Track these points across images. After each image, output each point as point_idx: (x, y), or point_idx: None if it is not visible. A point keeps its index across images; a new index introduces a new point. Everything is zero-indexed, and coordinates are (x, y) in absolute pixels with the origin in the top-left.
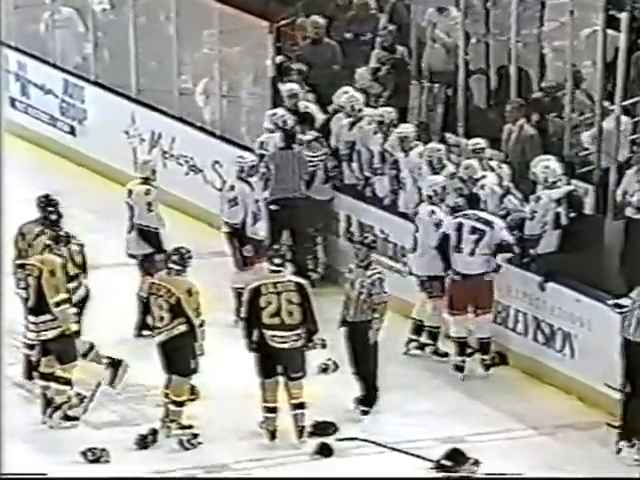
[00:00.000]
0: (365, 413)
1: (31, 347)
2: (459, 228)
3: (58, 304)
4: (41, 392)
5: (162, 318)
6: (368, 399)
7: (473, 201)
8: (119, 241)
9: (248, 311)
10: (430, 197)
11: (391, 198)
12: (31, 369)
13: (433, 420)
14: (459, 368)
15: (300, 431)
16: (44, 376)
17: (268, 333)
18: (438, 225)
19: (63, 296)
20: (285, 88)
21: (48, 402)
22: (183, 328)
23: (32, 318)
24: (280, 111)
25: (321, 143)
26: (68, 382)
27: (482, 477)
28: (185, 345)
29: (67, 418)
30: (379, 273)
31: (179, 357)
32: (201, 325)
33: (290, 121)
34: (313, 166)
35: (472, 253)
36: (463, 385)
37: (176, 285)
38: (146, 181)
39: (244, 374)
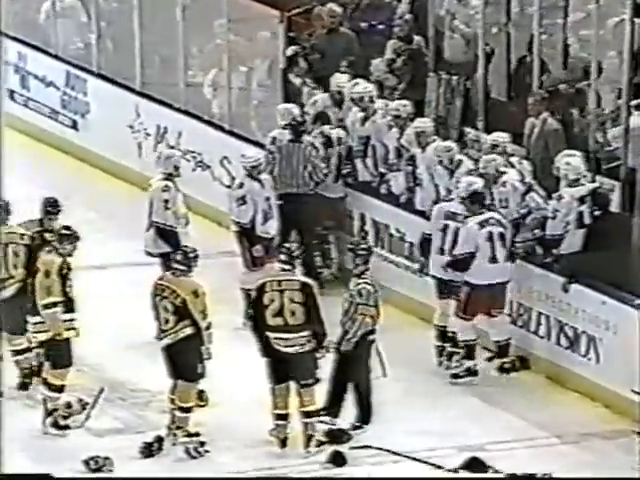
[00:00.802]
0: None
1: (19, 353)
2: (490, 238)
3: (47, 306)
4: (42, 398)
5: (167, 320)
6: (363, 415)
7: (476, 200)
8: (123, 240)
9: (254, 310)
10: (464, 199)
11: (407, 195)
12: (25, 378)
13: (450, 427)
14: (472, 372)
15: (308, 440)
16: (44, 381)
17: (272, 335)
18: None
19: (53, 299)
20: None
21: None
22: (189, 331)
23: (29, 318)
24: (289, 105)
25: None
26: (59, 389)
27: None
28: (191, 349)
29: (57, 426)
30: (367, 284)
31: (185, 361)
32: (208, 328)
33: (298, 114)
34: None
35: (499, 260)
36: (481, 391)
37: (182, 286)
38: (169, 177)
39: (254, 379)
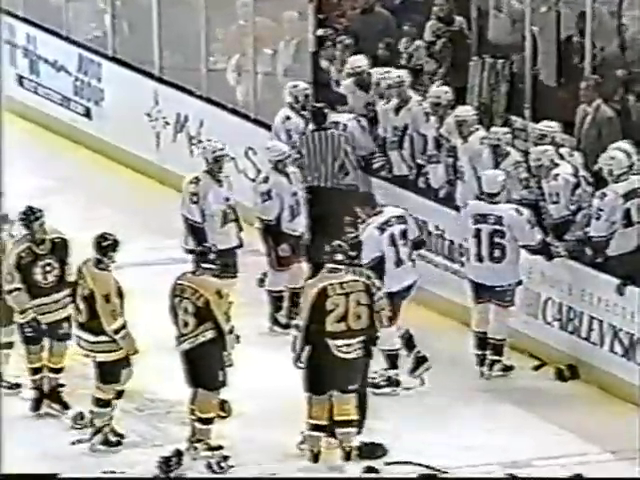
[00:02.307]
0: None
1: (35, 371)
2: (393, 241)
3: (117, 331)
4: (90, 417)
5: (186, 324)
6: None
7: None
8: (141, 239)
9: (310, 317)
10: (490, 195)
11: (447, 190)
12: (40, 398)
13: (494, 441)
14: (394, 382)
15: (348, 453)
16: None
17: (333, 342)
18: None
19: (121, 322)
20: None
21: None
22: (210, 335)
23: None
24: (302, 84)
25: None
26: (107, 404)
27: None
28: (212, 354)
29: (107, 443)
30: None
31: (205, 368)
32: (230, 332)
33: (311, 95)
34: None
35: (404, 261)
36: (528, 402)
37: (204, 286)
38: (209, 171)
39: (280, 388)
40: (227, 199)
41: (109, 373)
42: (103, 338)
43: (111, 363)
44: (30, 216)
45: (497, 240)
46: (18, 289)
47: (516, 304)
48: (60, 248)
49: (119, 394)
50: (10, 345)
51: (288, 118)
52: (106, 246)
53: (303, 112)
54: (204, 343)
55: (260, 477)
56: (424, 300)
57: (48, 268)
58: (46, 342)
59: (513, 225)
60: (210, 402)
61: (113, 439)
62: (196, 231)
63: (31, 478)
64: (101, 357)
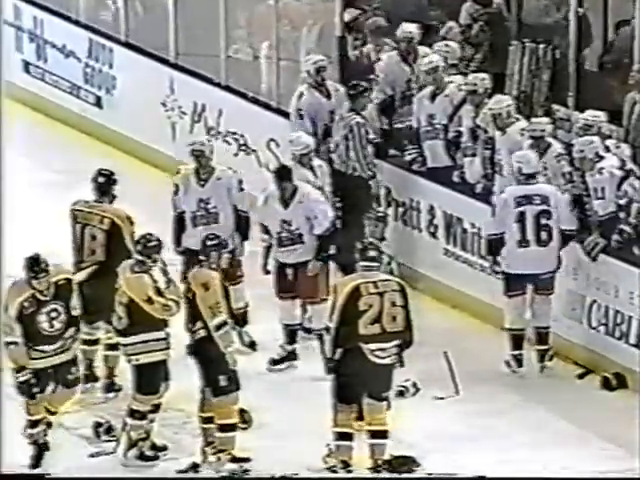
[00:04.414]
0: None
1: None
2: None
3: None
4: (126, 430)
5: (189, 320)
6: None
7: None
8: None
9: (341, 318)
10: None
11: (484, 184)
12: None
13: (535, 455)
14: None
15: (378, 465)
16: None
17: (367, 347)
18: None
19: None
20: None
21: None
22: (202, 333)
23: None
24: (314, 57)
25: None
26: (144, 416)
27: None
28: (208, 356)
29: (143, 457)
30: None
31: (203, 372)
32: (219, 327)
33: (325, 67)
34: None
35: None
36: (571, 413)
37: (194, 278)
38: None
39: (306, 395)
40: (203, 201)
41: (147, 383)
42: (144, 337)
43: (148, 369)
44: (37, 269)
45: (544, 221)
46: (16, 343)
47: (559, 309)
48: (65, 290)
49: (157, 407)
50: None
51: (301, 95)
52: (151, 247)
53: (320, 87)
54: (199, 342)
55: (261, 477)
56: (458, 302)
57: (54, 314)
58: (50, 387)
59: (559, 205)
60: (228, 407)
61: (150, 453)
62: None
63: (31, 478)
64: (142, 359)
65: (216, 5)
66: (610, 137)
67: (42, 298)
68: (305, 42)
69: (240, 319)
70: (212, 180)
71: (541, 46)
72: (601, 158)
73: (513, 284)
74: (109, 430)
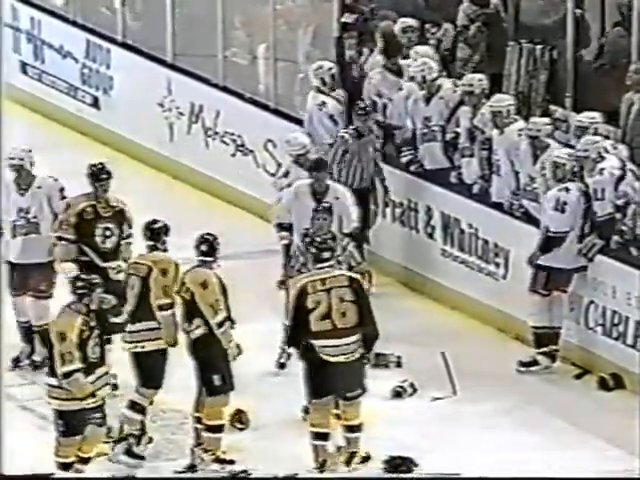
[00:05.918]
0: None
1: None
2: None
3: (220, 325)
4: (120, 421)
5: (185, 319)
6: None
7: None
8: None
9: (294, 316)
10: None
11: (481, 185)
12: None
13: (534, 456)
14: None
15: (350, 457)
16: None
17: (318, 343)
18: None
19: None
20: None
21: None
22: (200, 331)
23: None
24: (326, 63)
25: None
26: (143, 410)
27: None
28: (205, 355)
29: (130, 454)
30: None
31: (200, 370)
32: (221, 324)
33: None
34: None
35: None
36: (569, 414)
37: (191, 277)
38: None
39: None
40: (22, 210)
41: (150, 376)
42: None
43: (153, 359)
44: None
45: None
46: (78, 370)
47: None
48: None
49: (151, 403)
50: None
51: (324, 104)
52: (159, 229)
53: (332, 93)
54: (196, 341)
55: (260, 477)
56: (456, 302)
57: (98, 340)
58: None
59: None
60: (218, 408)
61: (137, 451)
62: None
63: (30, 478)
64: (148, 346)
65: (213, 6)
66: (607, 138)
67: (92, 324)
68: (302, 44)
69: None
70: (32, 189)
71: (538, 47)
72: (602, 159)
73: (550, 281)
74: (108, 431)
